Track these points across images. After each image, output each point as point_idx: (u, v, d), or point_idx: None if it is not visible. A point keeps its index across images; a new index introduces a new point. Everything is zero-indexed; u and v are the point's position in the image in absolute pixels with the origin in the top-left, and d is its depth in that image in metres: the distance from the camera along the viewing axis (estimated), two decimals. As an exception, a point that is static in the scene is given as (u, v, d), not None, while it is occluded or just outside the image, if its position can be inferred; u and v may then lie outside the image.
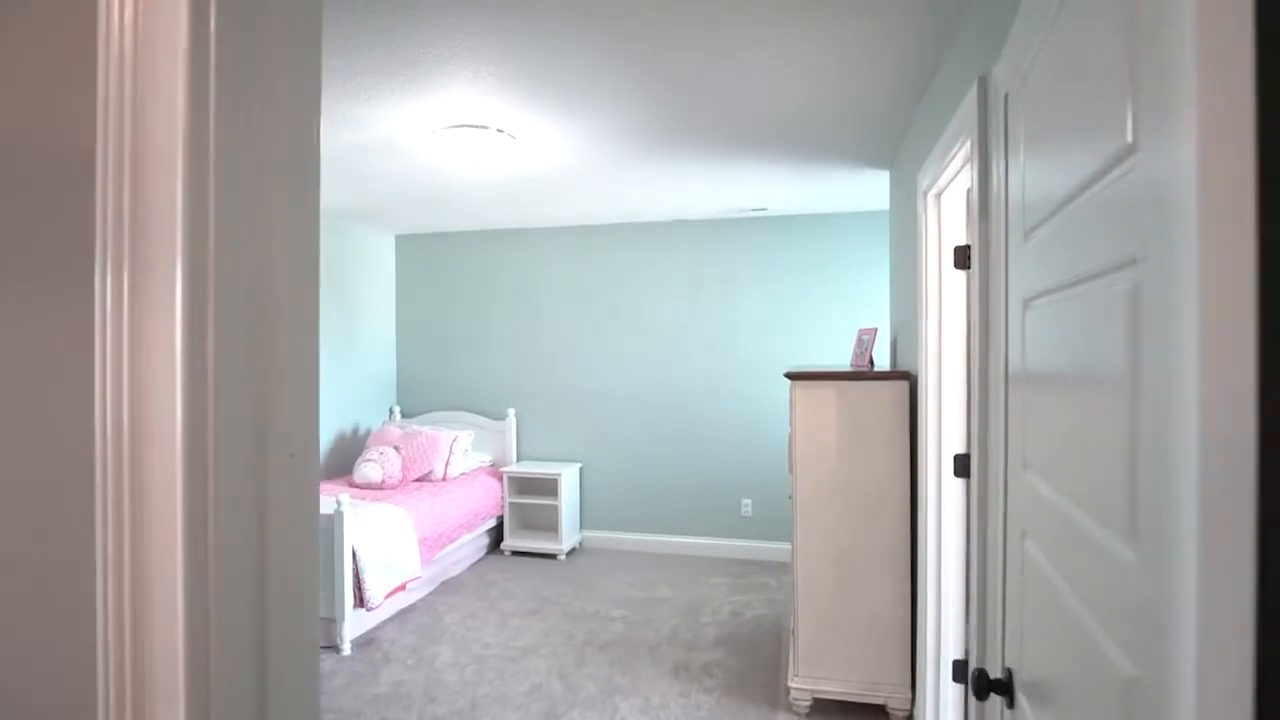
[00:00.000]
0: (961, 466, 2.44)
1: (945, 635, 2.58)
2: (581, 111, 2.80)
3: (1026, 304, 1.16)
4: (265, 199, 0.75)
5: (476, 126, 2.92)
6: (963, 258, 2.45)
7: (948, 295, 2.50)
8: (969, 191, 2.47)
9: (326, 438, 4.92)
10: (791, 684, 2.89)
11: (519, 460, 5.44)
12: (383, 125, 2.93)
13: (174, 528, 0.69)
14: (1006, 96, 1.32)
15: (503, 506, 5.15)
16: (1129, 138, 0.69)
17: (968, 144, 1.92)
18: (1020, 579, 1.19)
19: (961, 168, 2.25)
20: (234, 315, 0.73)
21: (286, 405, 0.79)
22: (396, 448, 4.75)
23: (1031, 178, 1.13)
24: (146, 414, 0.71)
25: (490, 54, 2.27)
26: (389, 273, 5.70)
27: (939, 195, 2.50)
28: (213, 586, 0.71)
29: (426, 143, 3.11)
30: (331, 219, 4.84)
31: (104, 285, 0.71)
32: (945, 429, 2.51)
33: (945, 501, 2.51)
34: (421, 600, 4.19)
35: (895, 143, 3.17)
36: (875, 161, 3.52)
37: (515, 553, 5.14)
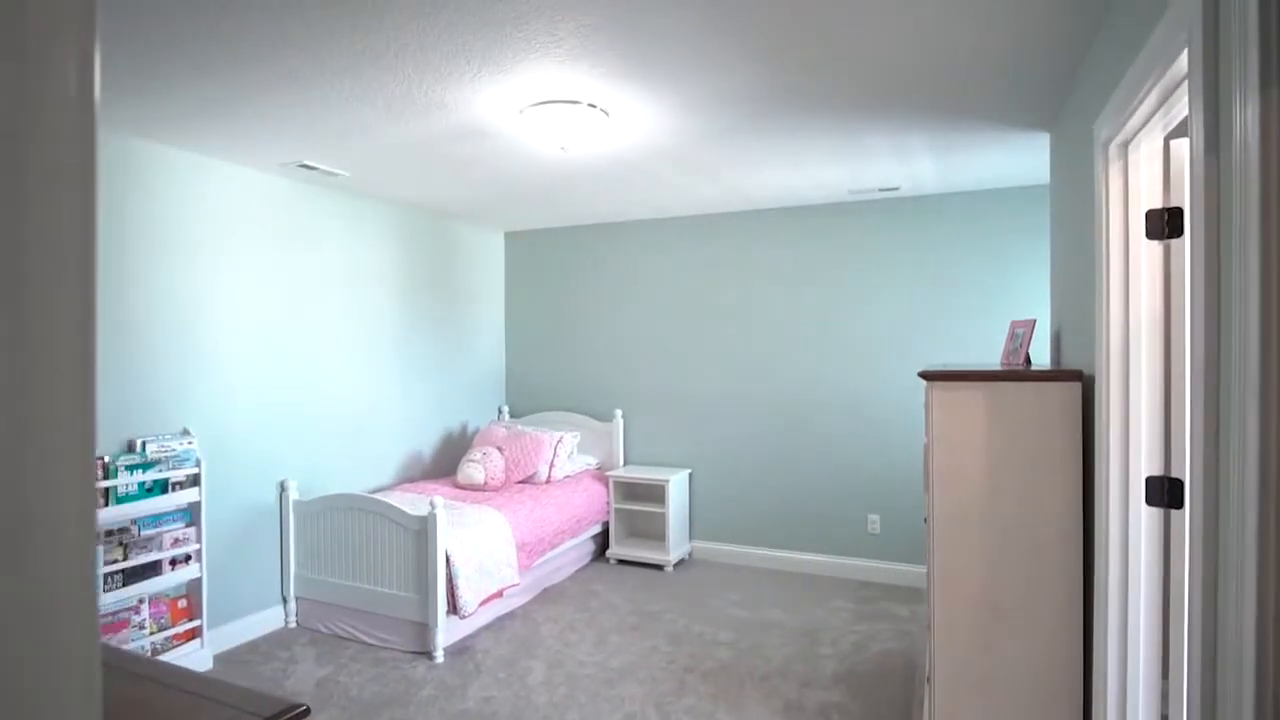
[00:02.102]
0: (1158, 493, 1.89)
1: (1133, 704, 2.03)
2: (678, 79, 2.48)
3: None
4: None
5: (566, 102, 2.69)
6: (1160, 224, 1.90)
7: (1138, 274, 1.95)
8: (1168, 140, 1.92)
9: (434, 437, 4.90)
10: (926, 743, 2.41)
11: (626, 464, 5.20)
12: (468, 108, 2.76)
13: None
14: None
15: (608, 512, 4.93)
16: None
17: (1176, 63, 1.42)
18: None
19: (1159, 106, 1.72)
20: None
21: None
22: (500, 448, 4.65)
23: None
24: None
25: (569, 11, 2.00)
26: (498, 271, 5.65)
27: (1125, 145, 1.95)
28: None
29: (515, 123, 2.92)
30: (440, 219, 4.82)
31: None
32: (1135, 445, 1.96)
33: (1136, 536, 1.96)
34: (520, 608, 4.03)
35: (1060, 92, 2.60)
36: (1032, 121, 2.94)
37: (620, 561, 4.90)
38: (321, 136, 2.90)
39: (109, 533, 2.91)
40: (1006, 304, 4.12)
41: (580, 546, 4.78)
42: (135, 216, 2.79)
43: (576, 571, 4.70)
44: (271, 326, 3.40)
